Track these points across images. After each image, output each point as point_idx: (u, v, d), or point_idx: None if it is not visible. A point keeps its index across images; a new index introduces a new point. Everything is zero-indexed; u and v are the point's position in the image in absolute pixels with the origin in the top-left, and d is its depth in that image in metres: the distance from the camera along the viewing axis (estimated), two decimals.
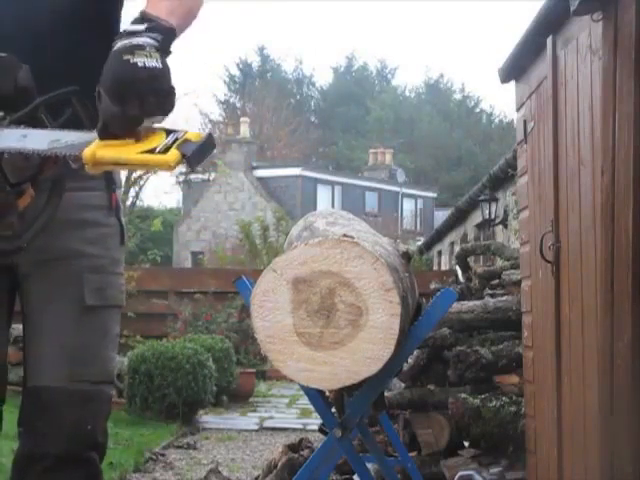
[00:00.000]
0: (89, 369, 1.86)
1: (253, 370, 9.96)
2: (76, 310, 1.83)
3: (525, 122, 3.47)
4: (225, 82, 42.81)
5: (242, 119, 31.35)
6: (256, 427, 7.48)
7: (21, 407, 1.87)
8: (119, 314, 1.95)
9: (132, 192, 20.37)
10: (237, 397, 9.07)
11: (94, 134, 1.50)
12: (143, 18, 1.57)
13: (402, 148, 37.79)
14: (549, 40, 3.03)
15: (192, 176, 20.48)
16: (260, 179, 30.18)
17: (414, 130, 40.22)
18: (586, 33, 2.61)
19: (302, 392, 2.50)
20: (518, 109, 3.62)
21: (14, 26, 1.76)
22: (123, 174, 21.70)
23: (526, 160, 3.51)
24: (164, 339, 8.46)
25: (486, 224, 10.69)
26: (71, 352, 1.83)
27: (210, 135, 1.51)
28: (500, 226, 10.14)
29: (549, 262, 3.04)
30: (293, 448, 4.17)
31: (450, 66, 71.28)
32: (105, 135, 1.48)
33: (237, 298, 10.56)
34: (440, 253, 18.85)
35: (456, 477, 3.67)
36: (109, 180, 1.91)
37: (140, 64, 1.46)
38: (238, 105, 40.41)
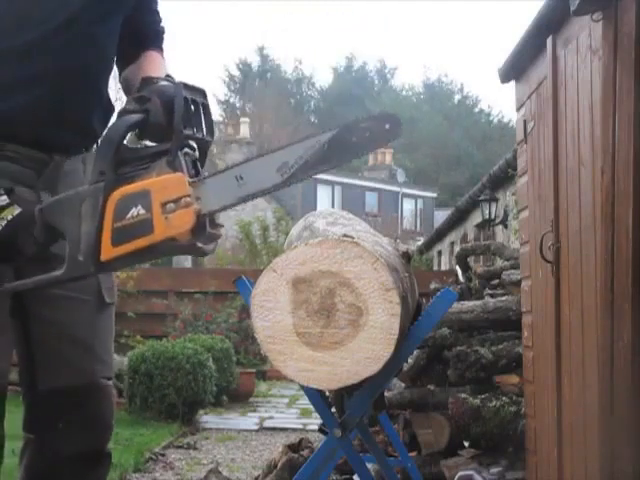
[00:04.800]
0: (104, 366, 1.87)
1: (253, 370, 9.96)
2: (95, 309, 1.84)
3: (525, 122, 3.47)
4: (225, 82, 42.83)
5: (242, 119, 31.33)
6: (256, 427, 7.47)
7: (37, 409, 1.85)
8: None
9: None
10: (237, 397, 9.06)
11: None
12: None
13: (402, 148, 37.76)
14: (549, 40, 3.03)
15: None
16: None
17: (414, 130, 40.18)
18: (586, 33, 2.61)
19: (302, 392, 2.50)
20: (518, 109, 3.62)
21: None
22: None
23: (526, 160, 3.51)
24: (164, 339, 8.46)
25: (486, 224, 10.69)
26: (92, 350, 1.84)
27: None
28: (500, 226, 10.13)
29: (549, 262, 3.04)
30: (293, 448, 4.17)
31: (449, 66, 71.34)
32: None
33: (237, 298, 10.56)
34: (440, 253, 18.85)
35: (456, 477, 3.66)
36: None
37: None
38: (238, 105, 40.40)
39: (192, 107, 1.66)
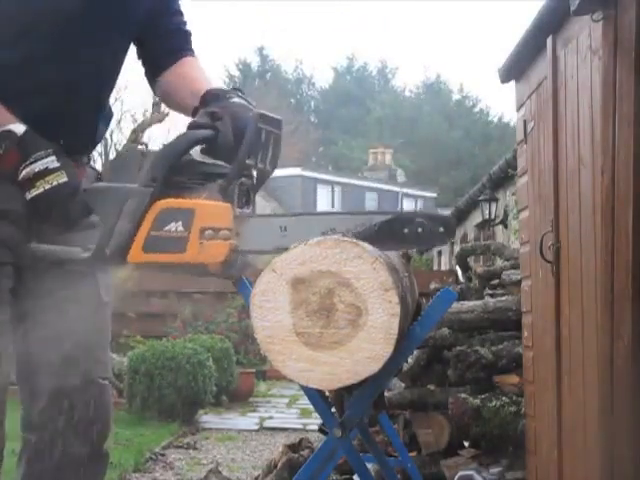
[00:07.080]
0: (101, 365, 1.88)
1: (253, 370, 9.96)
2: (93, 308, 1.84)
3: (525, 122, 3.47)
4: (225, 82, 42.82)
5: None
6: (256, 427, 7.47)
7: (35, 410, 1.85)
8: None
9: None
10: (237, 397, 9.06)
11: None
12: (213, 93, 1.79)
13: (402, 148, 37.78)
14: (549, 40, 3.03)
15: None
16: None
17: (414, 130, 40.21)
18: (586, 33, 2.61)
19: (302, 392, 2.50)
20: (518, 109, 3.62)
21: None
22: None
23: (526, 160, 3.51)
24: (164, 339, 8.47)
25: (486, 224, 10.70)
26: (89, 349, 1.85)
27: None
28: (500, 226, 10.14)
29: (549, 262, 3.04)
30: (293, 448, 4.17)
31: (449, 66, 71.38)
32: None
33: (237, 298, 10.55)
34: (440, 253, 18.86)
35: (456, 477, 3.67)
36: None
37: None
38: None
39: (263, 136, 1.63)
